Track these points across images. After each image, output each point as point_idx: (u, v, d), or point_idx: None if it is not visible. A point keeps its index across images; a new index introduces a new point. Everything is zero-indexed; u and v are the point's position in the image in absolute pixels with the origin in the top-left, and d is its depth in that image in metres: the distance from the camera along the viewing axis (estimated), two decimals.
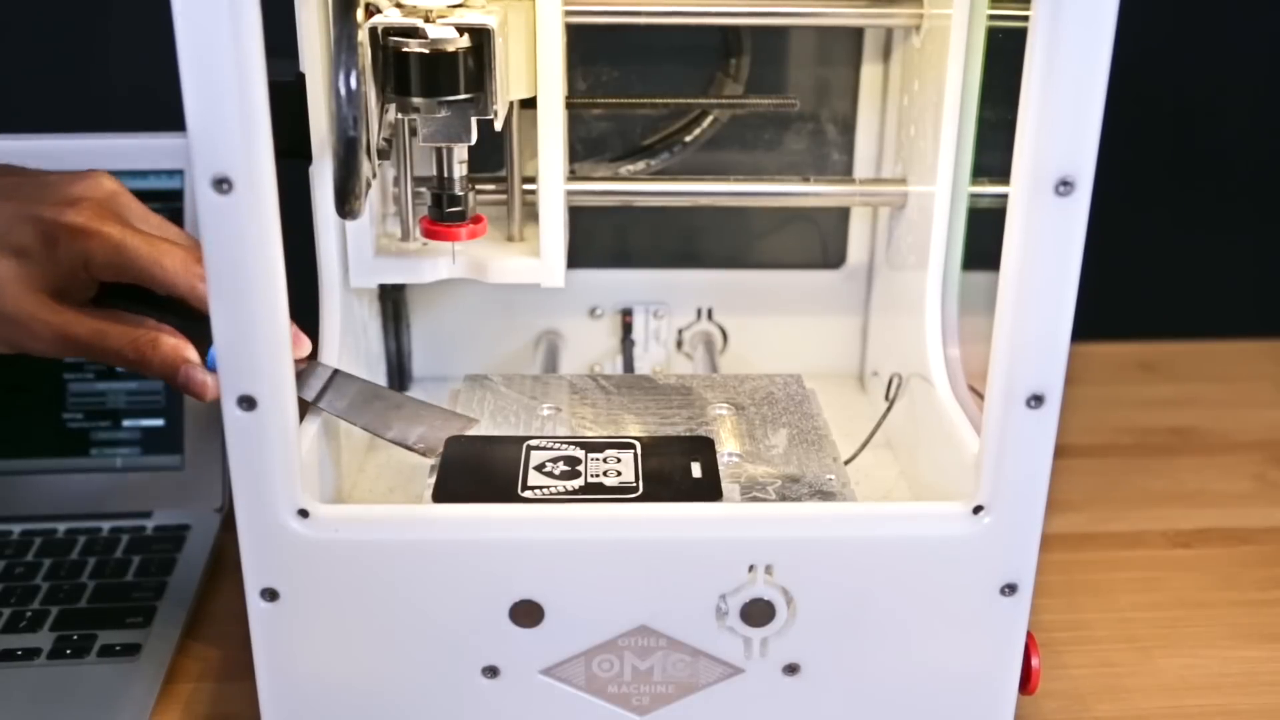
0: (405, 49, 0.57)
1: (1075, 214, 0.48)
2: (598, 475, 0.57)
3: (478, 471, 0.58)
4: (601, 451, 0.59)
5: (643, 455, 0.59)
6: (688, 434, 0.64)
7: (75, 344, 0.60)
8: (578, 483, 0.57)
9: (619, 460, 0.58)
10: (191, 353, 0.60)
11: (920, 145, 0.72)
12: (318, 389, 0.62)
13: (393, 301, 0.80)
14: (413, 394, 0.82)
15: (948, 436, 0.64)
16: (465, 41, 0.58)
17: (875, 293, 0.83)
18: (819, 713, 0.57)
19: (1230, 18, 1.04)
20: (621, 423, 0.66)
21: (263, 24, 0.45)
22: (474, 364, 0.83)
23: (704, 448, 0.60)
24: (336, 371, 0.63)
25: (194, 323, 0.60)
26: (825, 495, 0.60)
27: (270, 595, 0.53)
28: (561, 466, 0.58)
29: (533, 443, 0.60)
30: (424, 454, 0.61)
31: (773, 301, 0.85)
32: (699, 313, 0.85)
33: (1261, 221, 1.12)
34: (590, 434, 0.64)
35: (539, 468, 0.58)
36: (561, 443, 0.60)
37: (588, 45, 0.76)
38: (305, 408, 0.61)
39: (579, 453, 0.59)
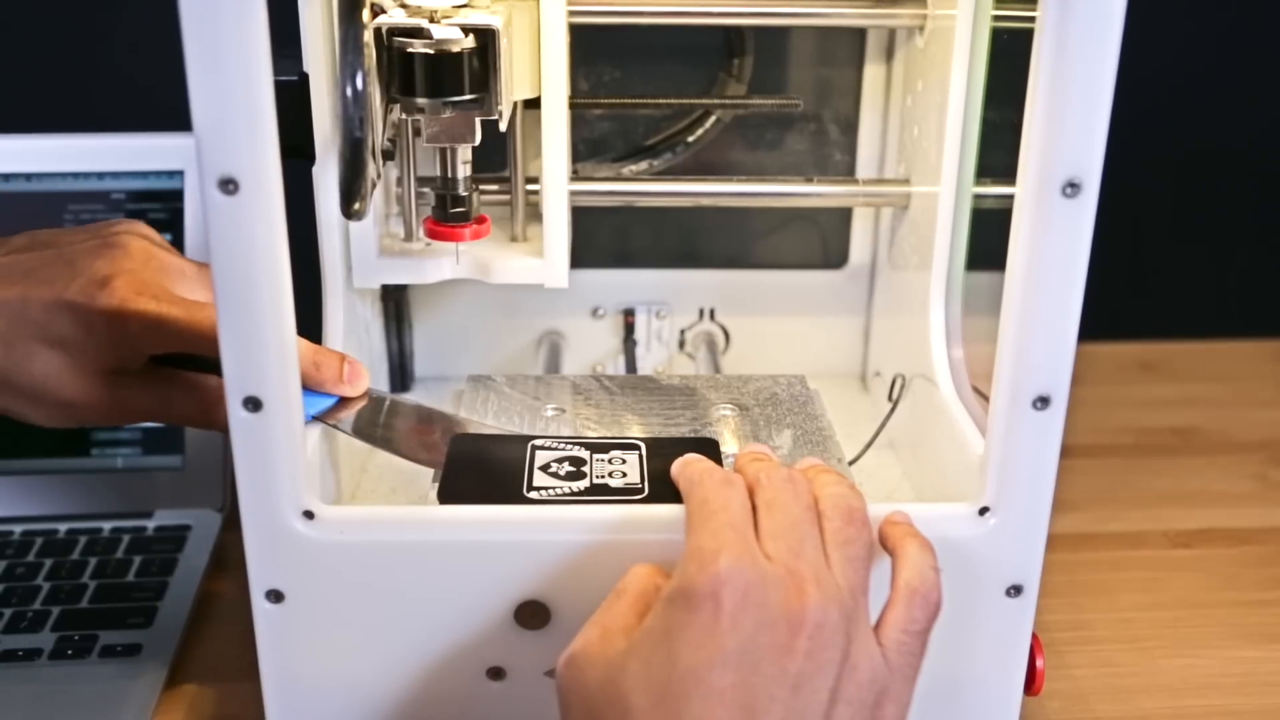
0: (410, 49, 0.57)
1: (1082, 216, 0.48)
2: (603, 476, 0.57)
3: (483, 472, 0.58)
4: (607, 452, 0.59)
5: (648, 456, 0.59)
6: (692, 435, 0.64)
7: (140, 415, 0.61)
8: (583, 484, 0.56)
9: (624, 461, 0.58)
10: None
11: (923, 146, 0.72)
12: (378, 420, 0.61)
13: (395, 302, 0.80)
14: (414, 394, 0.82)
15: (951, 437, 0.64)
16: (470, 42, 0.58)
17: (878, 293, 0.83)
18: None
19: (1232, 18, 1.04)
20: (625, 423, 0.66)
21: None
22: (476, 364, 0.83)
23: (709, 449, 0.60)
24: (392, 400, 0.63)
25: None
26: None
27: (275, 597, 0.53)
28: (567, 467, 0.58)
29: (538, 443, 0.60)
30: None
31: (775, 302, 0.85)
32: (701, 313, 0.85)
33: (1261, 222, 1.12)
34: (594, 435, 0.64)
35: (544, 468, 0.58)
36: (566, 443, 0.60)
37: (590, 45, 0.76)
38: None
39: (584, 453, 0.59)
